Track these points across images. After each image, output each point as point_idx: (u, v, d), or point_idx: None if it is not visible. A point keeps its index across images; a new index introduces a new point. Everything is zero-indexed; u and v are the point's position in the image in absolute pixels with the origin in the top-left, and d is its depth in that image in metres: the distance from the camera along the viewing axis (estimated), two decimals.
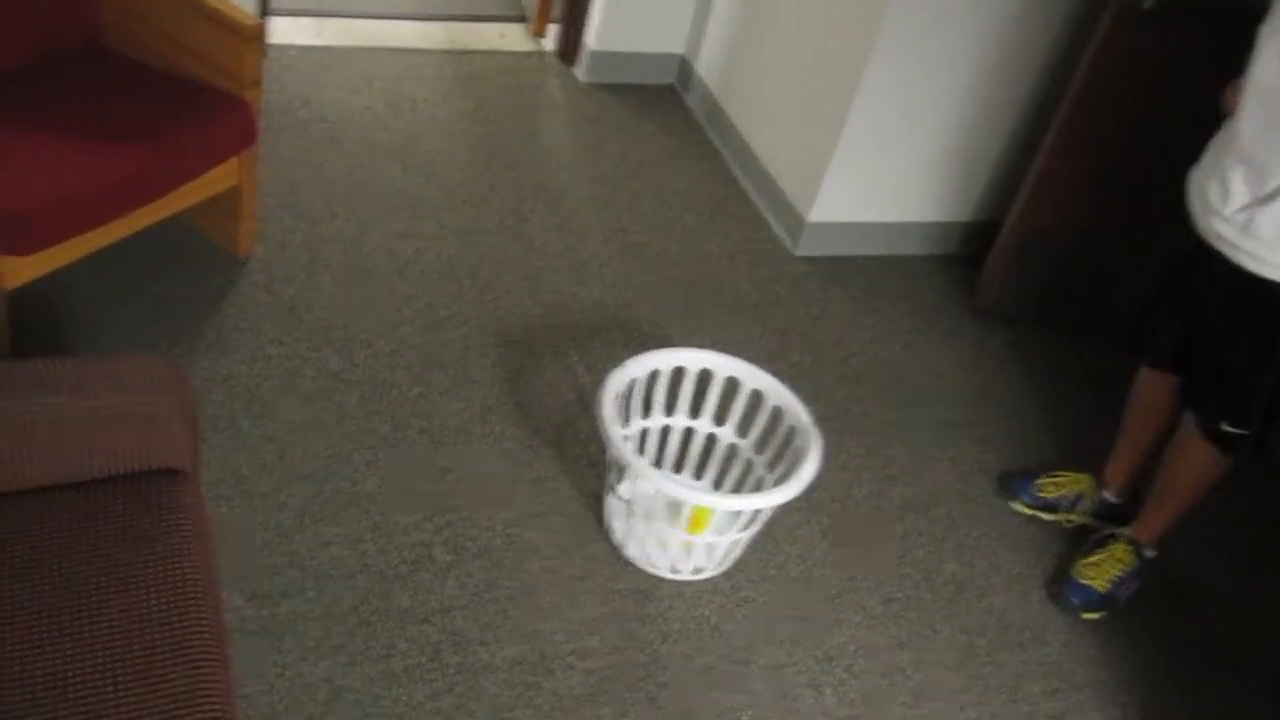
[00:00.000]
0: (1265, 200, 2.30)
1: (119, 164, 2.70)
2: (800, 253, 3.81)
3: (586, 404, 3.07)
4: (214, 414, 2.80)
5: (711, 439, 2.90)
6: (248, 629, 2.38)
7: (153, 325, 2.99)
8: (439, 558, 2.62)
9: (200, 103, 2.92)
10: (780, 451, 2.74)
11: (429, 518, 2.70)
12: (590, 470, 2.90)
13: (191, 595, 1.85)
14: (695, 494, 2.50)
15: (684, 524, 2.60)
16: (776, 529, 2.86)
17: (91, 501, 1.94)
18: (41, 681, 1.67)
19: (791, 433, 2.70)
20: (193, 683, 1.73)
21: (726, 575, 2.74)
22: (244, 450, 2.74)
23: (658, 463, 2.90)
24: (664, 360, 2.76)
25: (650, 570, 2.70)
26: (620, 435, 2.51)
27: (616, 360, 2.73)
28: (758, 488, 2.76)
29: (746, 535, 2.65)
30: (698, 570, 2.70)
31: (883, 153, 3.66)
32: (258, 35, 2.88)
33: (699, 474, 2.92)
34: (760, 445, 2.81)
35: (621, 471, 2.61)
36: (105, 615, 1.77)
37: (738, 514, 2.60)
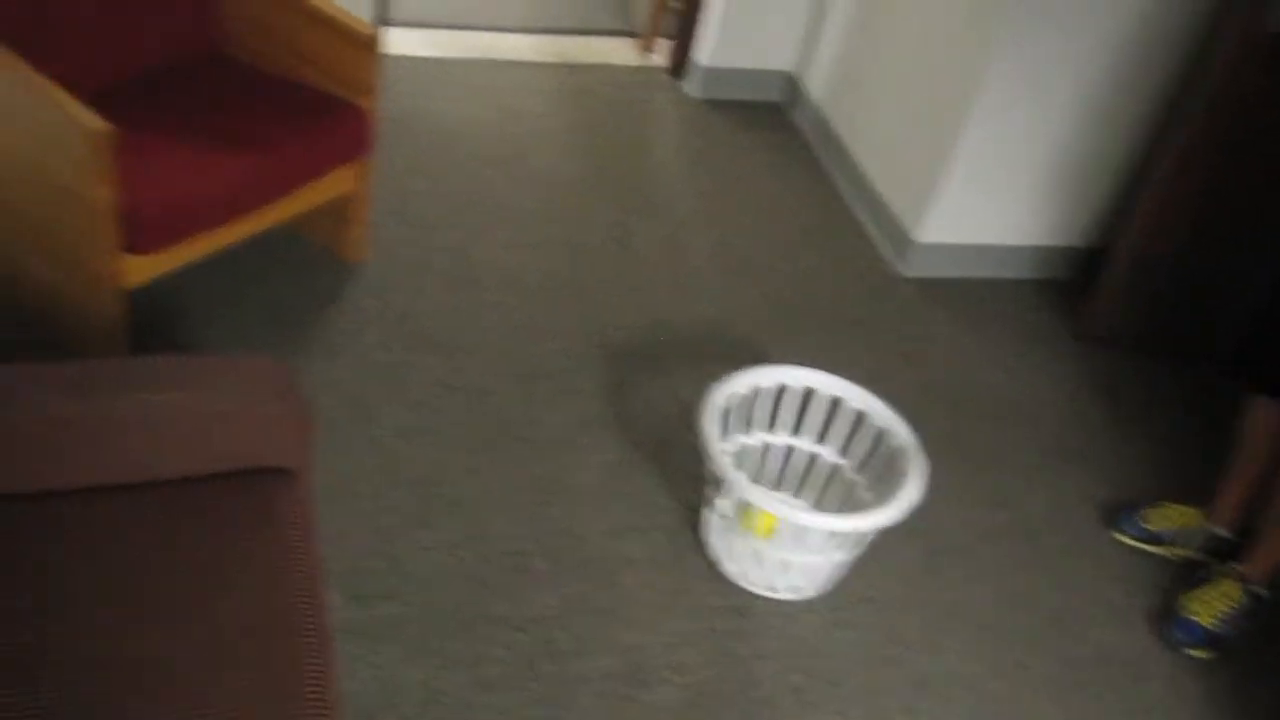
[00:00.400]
0: None
1: (238, 168, 2.76)
2: (906, 273, 3.78)
3: (687, 418, 3.07)
4: (322, 416, 2.84)
5: (813, 458, 2.88)
6: (347, 629, 2.42)
7: (265, 328, 3.05)
8: (536, 566, 2.63)
9: (318, 110, 2.98)
10: (882, 473, 2.72)
11: (528, 526, 2.72)
12: (689, 485, 2.90)
13: (298, 593, 1.88)
14: (795, 512, 2.48)
15: (752, 527, 2.58)
16: (876, 551, 2.83)
17: (204, 497, 1.99)
18: (149, 667, 1.71)
19: (894, 455, 2.68)
20: (296, 679, 1.76)
21: (824, 596, 2.73)
22: (350, 453, 2.78)
23: (757, 480, 2.90)
24: (767, 377, 2.76)
25: (747, 587, 2.69)
26: (720, 450, 2.51)
27: (718, 375, 2.73)
28: (858, 509, 2.74)
29: (845, 557, 2.63)
30: (795, 589, 2.68)
31: (993, 175, 3.62)
32: (376, 45, 2.93)
33: (798, 493, 2.91)
34: (862, 466, 2.79)
35: (720, 487, 2.61)
36: (213, 608, 1.81)
37: (837, 535, 2.59)
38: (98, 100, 2.90)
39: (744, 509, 2.56)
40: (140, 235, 2.60)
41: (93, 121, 2.42)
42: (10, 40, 2.75)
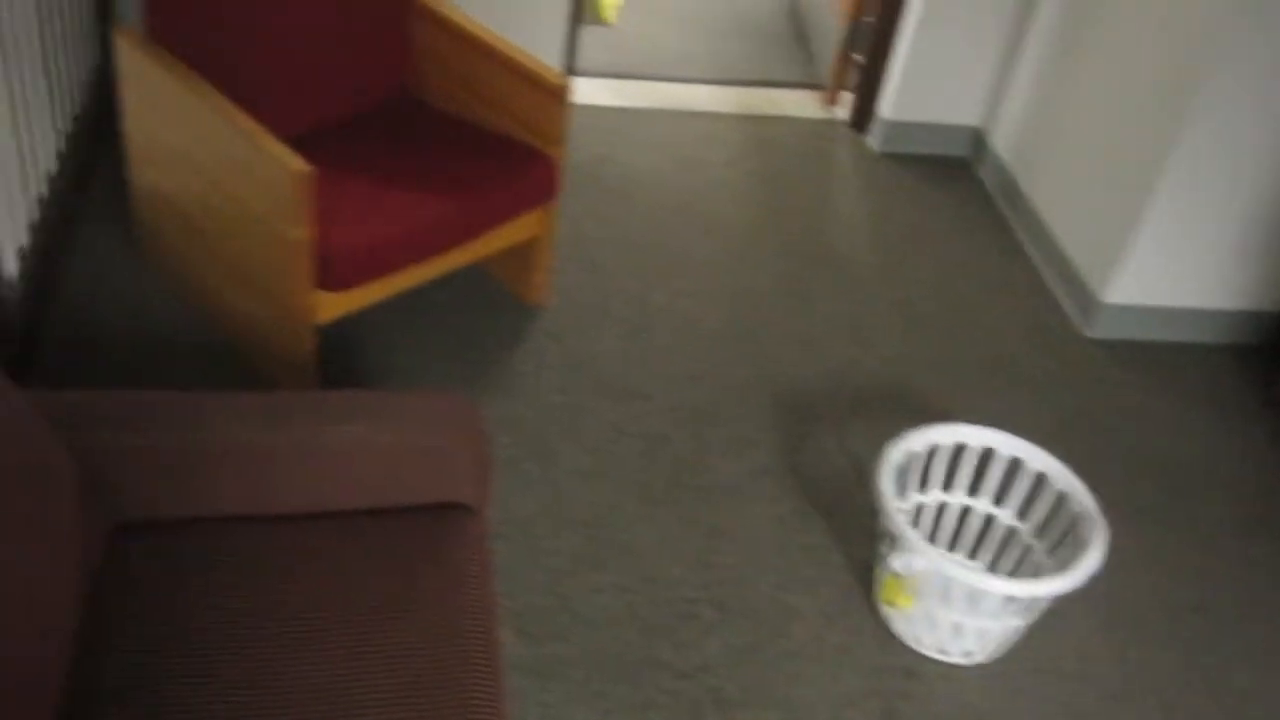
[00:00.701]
0: None
1: (429, 210, 2.84)
2: (1091, 334, 3.69)
3: (861, 473, 3.04)
4: (500, 455, 2.89)
5: (989, 519, 2.82)
6: (515, 666, 2.44)
7: (447, 365, 3.13)
8: (705, 615, 2.63)
9: (507, 156, 3.05)
10: (1061, 538, 2.65)
11: (697, 574, 2.71)
12: (861, 541, 2.86)
13: (471, 628, 1.90)
14: (970, 574, 2.43)
15: (892, 600, 2.53)
16: (1052, 619, 2.76)
17: (385, 528, 2.03)
18: (323, 694, 1.75)
19: (1075, 520, 2.61)
20: (466, 714, 1.78)
21: (997, 662, 2.66)
22: (525, 492, 2.82)
23: (931, 539, 2.85)
24: (945, 435, 2.71)
25: (917, 648, 2.64)
26: (896, 508, 2.47)
27: (893, 431, 2.70)
28: (1035, 574, 2.68)
29: (1020, 622, 2.57)
30: (967, 654, 2.63)
31: (1187, 235, 3.51)
32: (566, 94, 2.99)
33: (974, 554, 2.85)
34: (1040, 530, 2.72)
35: (894, 544, 2.57)
36: (387, 638, 1.85)
37: (1013, 599, 2.52)
38: (299, 143, 3.03)
39: (887, 580, 2.53)
40: (333, 273, 2.69)
41: (294, 163, 2.52)
42: (222, 85, 2.89)
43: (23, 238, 2.96)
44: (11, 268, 2.86)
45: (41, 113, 3.14)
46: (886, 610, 2.67)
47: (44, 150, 3.17)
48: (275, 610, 1.86)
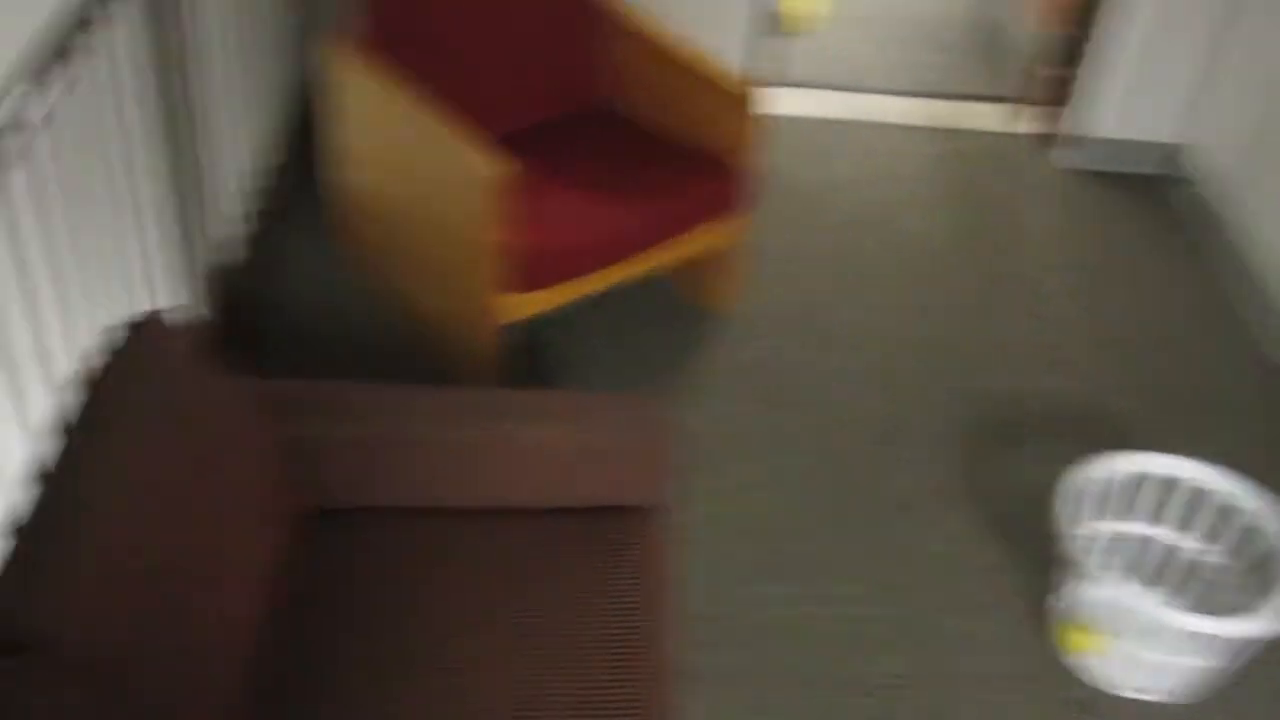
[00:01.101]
0: None
1: (620, 216, 2.89)
2: None
3: (1042, 497, 2.98)
4: (677, 462, 2.92)
5: (1170, 550, 2.74)
6: (687, 673, 2.47)
7: (628, 370, 3.17)
8: (877, 632, 2.62)
9: (698, 165, 3.08)
10: (1252, 574, 2.56)
11: (871, 590, 2.70)
12: (1038, 566, 2.81)
13: (648, 633, 1.93)
14: (1150, 607, 2.37)
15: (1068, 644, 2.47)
16: (1245, 661, 2.67)
17: (567, 528, 2.08)
18: (498, 689, 1.80)
19: (1269, 555, 2.52)
20: (639, 717, 1.81)
21: (1179, 702, 2.58)
22: (701, 500, 2.85)
23: (1110, 570, 2.78)
24: (1131, 463, 2.65)
25: (1091, 682, 2.58)
26: (1077, 537, 2.42)
27: (1077, 455, 2.65)
28: (1222, 611, 2.59)
29: (1204, 662, 2.49)
30: (1143, 690, 2.56)
31: None
32: (750, 105, 3.00)
33: (1154, 586, 2.77)
34: (1228, 565, 2.63)
35: (1075, 572, 2.52)
36: (565, 640, 1.89)
37: (1196, 636, 2.45)
38: (492, 148, 3.10)
39: (1063, 625, 2.47)
40: (524, 275, 2.75)
41: (488, 166, 2.59)
42: (424, 89, 2.98)
43: (233, 231, 3.10)
44: (224, 259, 3.00)
45: (253, 113, 3.28)
46: (1062, 649, 2.62)
47: (254, 148, 3.31)
48: (456, 606, 1.92)
